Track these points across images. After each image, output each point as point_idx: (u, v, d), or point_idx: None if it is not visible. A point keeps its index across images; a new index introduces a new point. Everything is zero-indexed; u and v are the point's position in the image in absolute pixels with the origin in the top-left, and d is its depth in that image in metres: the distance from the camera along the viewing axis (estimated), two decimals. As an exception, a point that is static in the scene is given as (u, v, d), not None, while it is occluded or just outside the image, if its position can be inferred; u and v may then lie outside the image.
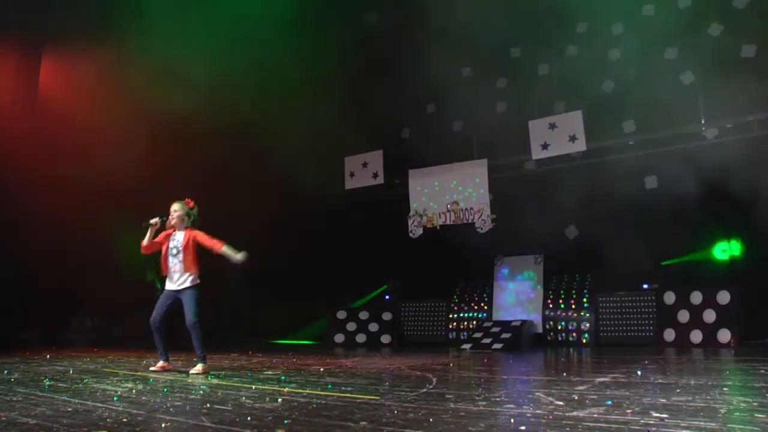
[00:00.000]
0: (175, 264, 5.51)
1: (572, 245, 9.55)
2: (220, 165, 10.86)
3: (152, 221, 5.55)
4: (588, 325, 9.07)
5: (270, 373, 5.41)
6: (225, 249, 5.39)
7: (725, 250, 8.72)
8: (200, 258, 5.56)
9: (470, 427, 2.72)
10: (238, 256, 5.33)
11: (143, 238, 5.56)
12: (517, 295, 9.85)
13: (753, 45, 8.02)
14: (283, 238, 11.34)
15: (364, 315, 10.55)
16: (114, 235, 9.09)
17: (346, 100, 10.41)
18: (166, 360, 5.60)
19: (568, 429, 2.63)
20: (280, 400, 3.64)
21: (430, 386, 4.27)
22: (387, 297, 11.36)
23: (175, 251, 5.52)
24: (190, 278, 5.47)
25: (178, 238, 5.57)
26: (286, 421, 2.92)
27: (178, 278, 5.49)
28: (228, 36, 9.12)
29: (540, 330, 9.36)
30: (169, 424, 2.94)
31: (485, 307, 10.04)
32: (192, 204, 5.73)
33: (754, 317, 7.91)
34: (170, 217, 5.61)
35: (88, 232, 9.80)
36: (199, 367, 5.35)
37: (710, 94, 8.44)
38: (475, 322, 9.93)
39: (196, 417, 3.09)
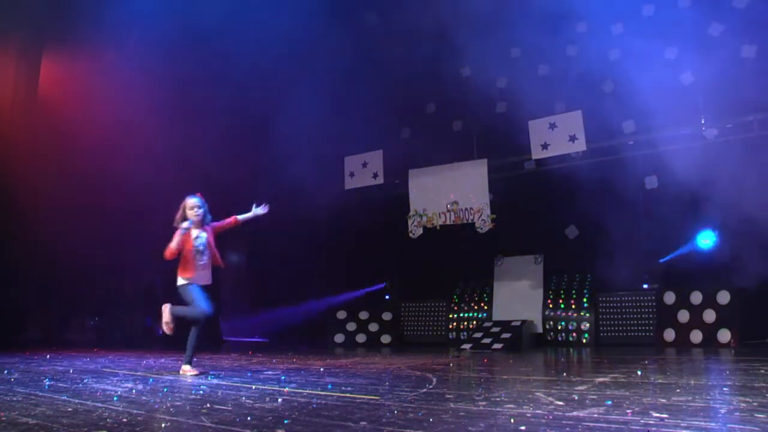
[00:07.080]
0: (204, 260, 5.39)
1: (572, 245, 9.54)
2: (218, 164, 10.84)
3: (184, 225, 5.32)
4: (588, 325, 9.07)
5: (270, 373, 5.40)
6: (242, 217, 5.59)
7: (707, 240, 8.83)
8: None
9: (470, 427, 2.72)
10: (258, 210, 5.56)
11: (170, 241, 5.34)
12: (517, 295, 9.85)
13: (753, 45, 8.01)
14: (282, 238, 11.32)
15: (364, 315, 10.55)
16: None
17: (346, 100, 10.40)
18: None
19: (568, 429, 2.63)
20: (280, 400, 3.64)
21: (430, 386, 4.27)
22: (387, 297, 11.34)
23: (202, 248, 5.38)
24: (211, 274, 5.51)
25: (202, 235, 5.42)
26: (286, 421, 2.92)
27: (208, 274, 5.44)
28: (228, 30, 9.10)
29: (540, 330, 9.36)
30: (169, 424, 2.93)
31: (485, 307, 10.04)
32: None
33: (754, 317, 7.91)
34: (194, 215, 5.37)
35: (89, 232, 9.79)
36: (186, 368, 5.24)
37: (710, 94, 8.43)
38: (475, 322, 9.92)
39: (196, 417, 3.09)
